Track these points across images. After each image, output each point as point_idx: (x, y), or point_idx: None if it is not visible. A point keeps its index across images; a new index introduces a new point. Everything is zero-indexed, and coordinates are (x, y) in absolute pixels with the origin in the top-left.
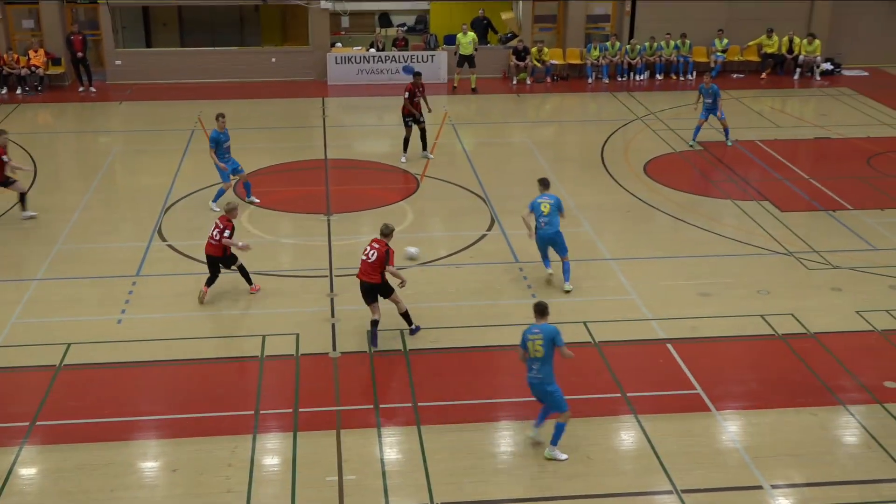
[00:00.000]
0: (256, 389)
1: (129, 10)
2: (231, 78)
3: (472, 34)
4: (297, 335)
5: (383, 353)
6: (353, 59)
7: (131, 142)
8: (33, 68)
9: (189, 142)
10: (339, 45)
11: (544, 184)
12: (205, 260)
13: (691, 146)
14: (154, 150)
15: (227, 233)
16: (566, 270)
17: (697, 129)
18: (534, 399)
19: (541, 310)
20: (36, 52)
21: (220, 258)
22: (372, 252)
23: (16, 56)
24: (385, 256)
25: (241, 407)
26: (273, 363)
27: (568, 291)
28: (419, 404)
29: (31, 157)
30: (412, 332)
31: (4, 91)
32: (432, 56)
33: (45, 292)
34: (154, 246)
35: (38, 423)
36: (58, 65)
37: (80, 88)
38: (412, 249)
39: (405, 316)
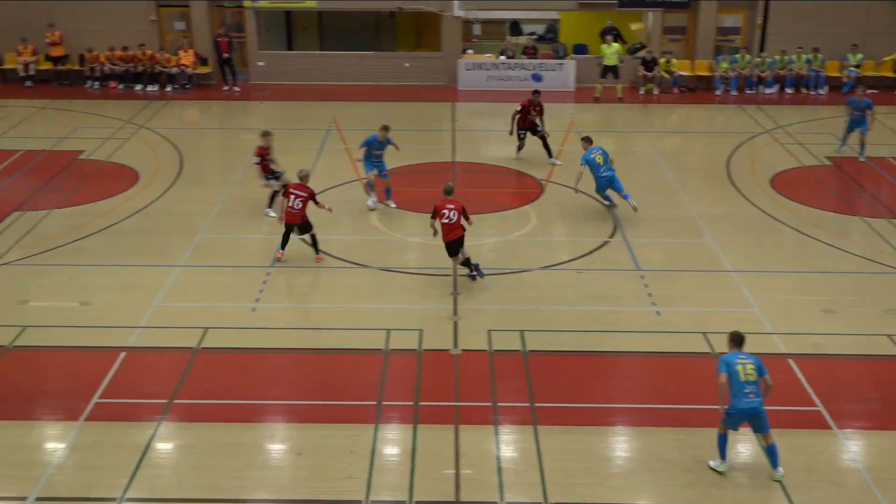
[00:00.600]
0: (380, 381)
1: (272, 14)
2: (366, 81)
3: (616, 45)
4: (421, 331)
5: (502, 352)
6: (483, 66)
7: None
8: (182, 67)
9: (324, 141)
10: (470, 51)
11: (588, 140)
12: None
13: (841, 149)
14: (291, 148)
15: (316, 197)
16: (627, 197)
17: (843, 140)
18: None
19: (740, 339)
20: (186, 52)
21: (299, 225)
22: (453, 213)
23: (167, 55)
24: (463, 210)
25: (364, 397)
26: (396, 357)
27: (635, 209)
28: (536, 405)
29: (178, 150)
30: (478, 275)
31: (156, 88)
32: (561, 65)
33: (186, 279)
34: (289, 238)
35: (175, 401)
36: (205, 65)
37: (225, 87)
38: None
39: (468, 262)
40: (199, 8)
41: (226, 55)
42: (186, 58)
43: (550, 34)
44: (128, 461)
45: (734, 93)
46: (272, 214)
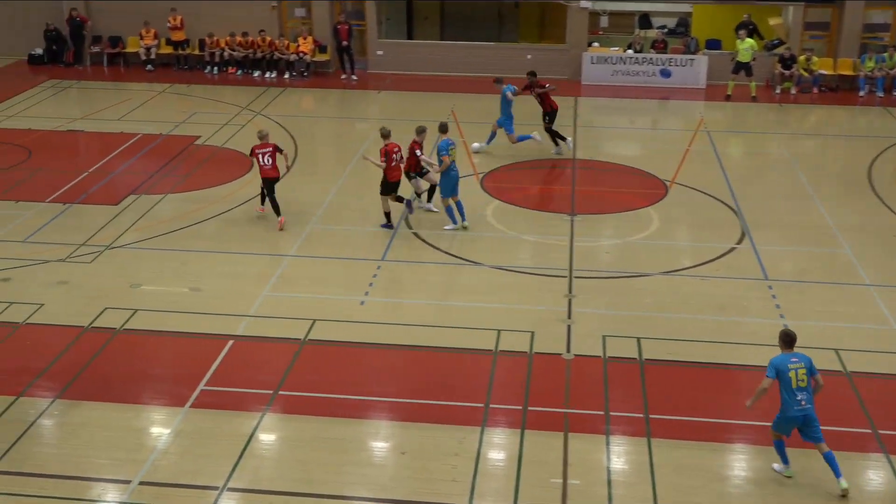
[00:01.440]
0: (488, 383)
1: (393, 2)
2: (486, 73)
3: (749, 41)
4: (532, 333)
5: (617, 359)
6: (609, 60)
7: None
8: (301, 55)
9: None
10: (595, 44)
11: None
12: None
13: None
14: (407, 139)
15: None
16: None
17: None
18: (767, 427)
19: (791, 339)
20: (305, 39)
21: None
22: (399, 154)
23: (286, 42)
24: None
25: (471, 398)
26: (506, 359)
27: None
28: (651, 416)
29: (292, 138)
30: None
31: (274, 75)
32: (691, 60)
33: (296, 269)
34: (401, 233)
35: (280, 392)
36: (324, 52)
37: (343, 76)
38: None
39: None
40: None
41: (345, 43)
42: (305, 45)
43: (682, 28)
44: (231, 450)
45: (880, 94)
46: (433, 209)
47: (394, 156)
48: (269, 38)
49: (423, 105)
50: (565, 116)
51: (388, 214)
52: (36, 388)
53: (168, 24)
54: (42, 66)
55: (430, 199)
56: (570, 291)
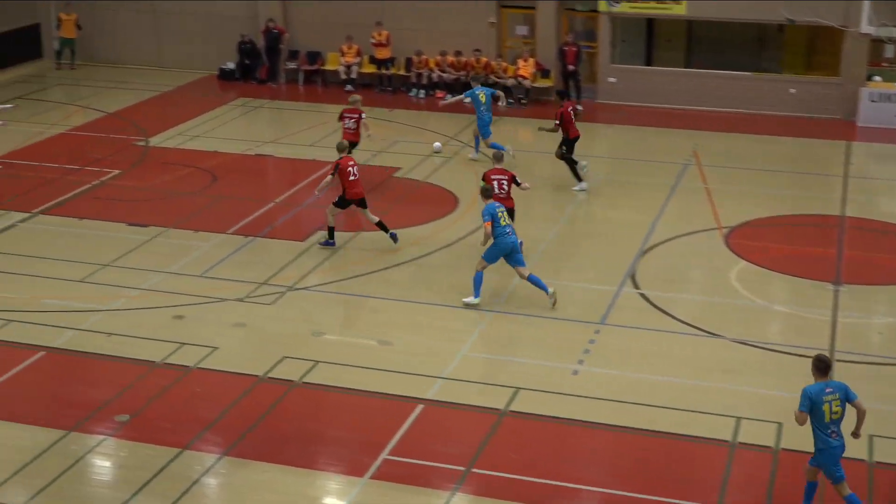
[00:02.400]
0: (721, 482)
1: (631, 22)
2: (738, 108)
3: None
4: (780, 425)
5: (887, 466)
6: (893, 98)
7: (616, 170)
8: (520, 79)
9: (680, 177)
10: (877, 78)
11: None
12: None
13: None
14: (639, 182)
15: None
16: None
17: None
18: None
19: (826, 367)
20: (525, 61)
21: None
22: (356, 168)
23: (504, 64)
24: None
25: (698, 498)
26: (745, 453)
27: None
28: None
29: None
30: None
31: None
32: None
33: (499, 327)
34: (625, 292)
35: (473, 469)
36: (546, 77)
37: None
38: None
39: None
40: (546, 10)
41: (571, 67)
42: (525, 68)
43: None
44: None
45: None
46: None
47: (349, 170)
48: (484, 59)
49: (660, 143)
50: (834, 163)
51: (331, 230)
52: (203, 441)
53: (372, 40)
54: (233, 83)
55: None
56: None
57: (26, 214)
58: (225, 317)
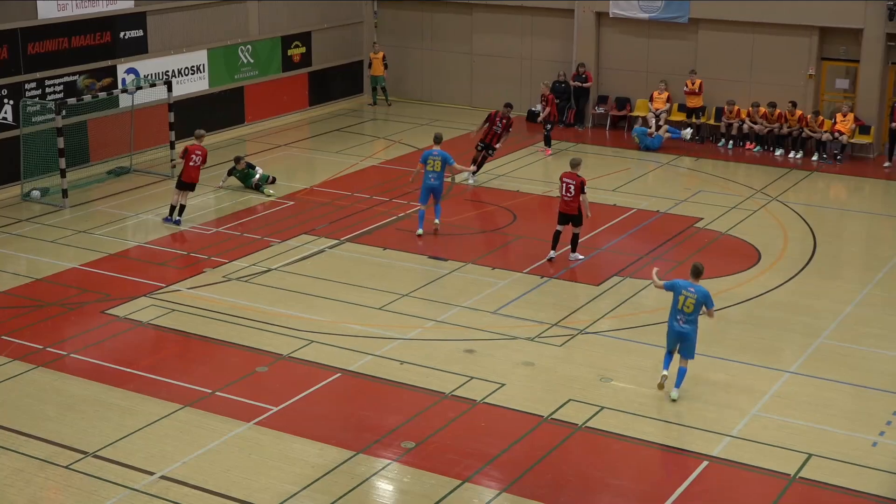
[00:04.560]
0: None
1: None
2: None
3: None
4: None
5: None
6: None
7: None
8: (837, 134)
9: None
10: None
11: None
12: None
13: None
14: None
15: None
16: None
17: None
18: None
19: (698, 272)
20: (844, 116)
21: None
22: (198, 157)
23: (821, 119)
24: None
25: None
26: None
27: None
28: None
29: (811, 231)
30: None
31: (800, 155)
32: None
33: (796, 388)
34: None
35: None
36: (865, 133)
37: (886, 164)
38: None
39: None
40: (871, 64)
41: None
42: (844, 124)
43: None
44: None
45: None
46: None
47: (192, 157)
48: (799, 112)
49: None
50: None
51: (173, 209)
52: (484, 475)
53: (685, 89)
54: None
55: None
56: None
57: (335, 241)
58: (514, 355)
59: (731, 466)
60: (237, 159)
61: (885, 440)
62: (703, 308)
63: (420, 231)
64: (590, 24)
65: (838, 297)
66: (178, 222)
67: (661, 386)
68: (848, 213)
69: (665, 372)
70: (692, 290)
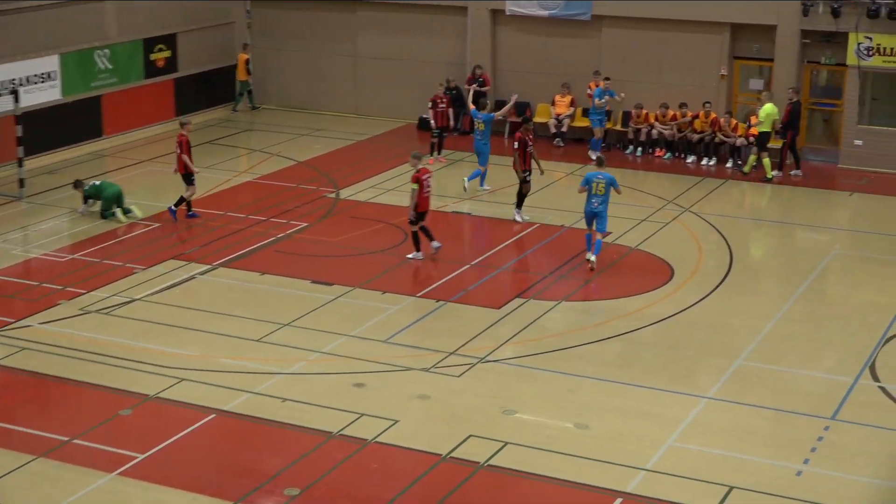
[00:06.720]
0: None
1: (884, 77)
2: None
3: None
4: None
5: None
6: None
7: (856, 244)
8: (750, 139)
9: None
10: None
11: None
12: None
13: None
14: (883, 259)
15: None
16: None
17: None
18: None
19: (601, 161)
20: (757, 118)
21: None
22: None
23: (733, 122)
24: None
25: None
26: None
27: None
28: None
29: (727, 244)
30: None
31: (713, 162)
32: None
33: (713, 416)
34: (861, 385)
35: None
36: (784, 137)
37: (793, 172)
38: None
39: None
40: (785, 63)
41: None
42: (756, 128)
43: None
44: None
45: None
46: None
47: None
48: (712, 115)
49: None
50: None
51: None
52: None
53: (587, 92)
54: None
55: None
56: None
57: (207, 266)
58: (408, 387)
59: (647, 503)
60: (77, 184)
61: (809, 468)
62: (612, 189)
63: (590, 256)
64: (484, 22)
65: (757, 313)
66: (194, 215)
67: (592, 269)
68: (765, 223)
69: (591, 256)
70: (601, 176)
